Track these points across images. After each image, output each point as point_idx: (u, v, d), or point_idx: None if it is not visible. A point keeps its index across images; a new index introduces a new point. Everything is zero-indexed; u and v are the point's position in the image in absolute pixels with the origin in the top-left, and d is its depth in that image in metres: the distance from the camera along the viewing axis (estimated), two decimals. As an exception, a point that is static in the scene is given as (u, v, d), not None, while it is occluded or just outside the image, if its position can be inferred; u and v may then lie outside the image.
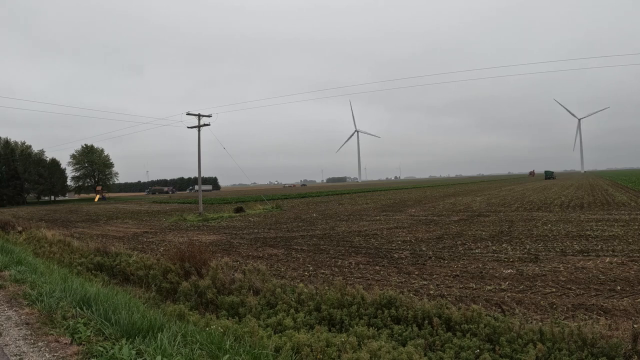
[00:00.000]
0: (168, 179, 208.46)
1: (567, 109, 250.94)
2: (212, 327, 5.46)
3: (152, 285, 9.54)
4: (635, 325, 5.60)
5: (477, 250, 12.78)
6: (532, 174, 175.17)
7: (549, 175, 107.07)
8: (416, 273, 10.25)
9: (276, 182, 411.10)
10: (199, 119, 33.17)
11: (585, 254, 11.40)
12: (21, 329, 4.86)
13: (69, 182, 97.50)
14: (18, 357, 4.01)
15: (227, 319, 6.68)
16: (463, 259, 11.59)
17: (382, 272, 10.59)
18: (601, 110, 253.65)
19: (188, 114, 33.17)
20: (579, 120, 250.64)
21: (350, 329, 5.96)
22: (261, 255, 13.86)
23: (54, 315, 5.26)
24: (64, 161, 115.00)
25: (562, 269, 9.91)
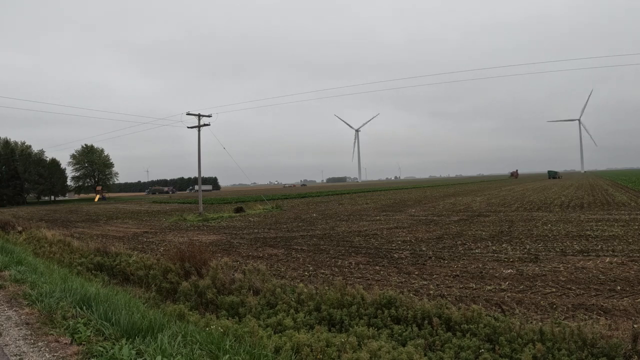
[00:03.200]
0: (168, 179, 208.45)
1: (563, 120, 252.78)
2: (212, 327, 5.46)
3: (152, 285, 9.54)
4: (635, 325, 5.60)
5: (477, 250, 12.78)
6: (514, 175, 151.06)
7: (552, 174, 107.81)
8: (416, 273, 10.25)
9: (276, 182, 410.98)
10: (199, 119, 33.16)
11: (585, 254, 11.40)
12: (21, 329, 4.86)
13: (69, 182, 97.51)
14: (18, 357, 4.01)
15: (227, 319, 6.68)
16: (463, 259, 11.59)
17: (382, 272, 10.58)
18: (588, 97, 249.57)
19: (188, 114, 33.18)
20: (579, 120, 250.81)
21: (350, 329, 5.96)
22: (261, 255, 13.86)
23: (54, 315, 5.25)
24: (64, 161, 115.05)
25: (562, 269, 9.91)
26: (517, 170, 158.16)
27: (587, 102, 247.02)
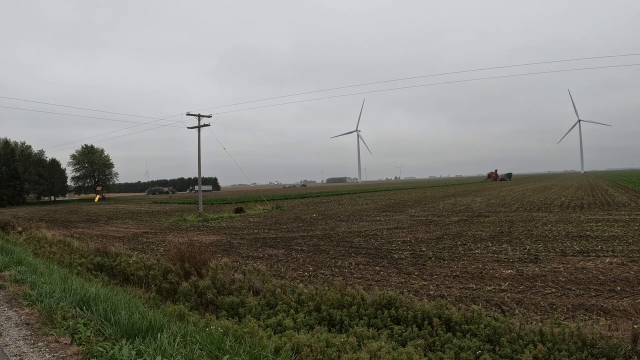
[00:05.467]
0: (168, 179, 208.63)
1: (574, 104, 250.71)
2: (212, 327, 5.46)
3: (152, 286, 9.54)
4: (635, 326, 5.61)
5: (477, 251, 12.78)
6: (493, 176, 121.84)
7: (508, 176, 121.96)
8: (416, 273, 10.25)
9: (276, 183, 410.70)
10: (199, 120, 33.17)
11: (585, 255, 11.40)
12: (21, 329, 4.86)
13: (69, 183, 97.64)
14: (18, 357, 4.01)
15: (227, 319, 6.68)
16: (463, 260, 11.58)
17: (382, 272, 10.58)
18: (602, 124, 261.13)
19: (188, 114, 33.20)
20: (579, 120, 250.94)
21: (350, 329, 5.96)
22: (261, 255, 13.85)
23: (54, 316, 5.25)
24: (64, 161, 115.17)
25: (562, 269, 9.91)
26: (496, 171, 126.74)
27: (597, 123, 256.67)
